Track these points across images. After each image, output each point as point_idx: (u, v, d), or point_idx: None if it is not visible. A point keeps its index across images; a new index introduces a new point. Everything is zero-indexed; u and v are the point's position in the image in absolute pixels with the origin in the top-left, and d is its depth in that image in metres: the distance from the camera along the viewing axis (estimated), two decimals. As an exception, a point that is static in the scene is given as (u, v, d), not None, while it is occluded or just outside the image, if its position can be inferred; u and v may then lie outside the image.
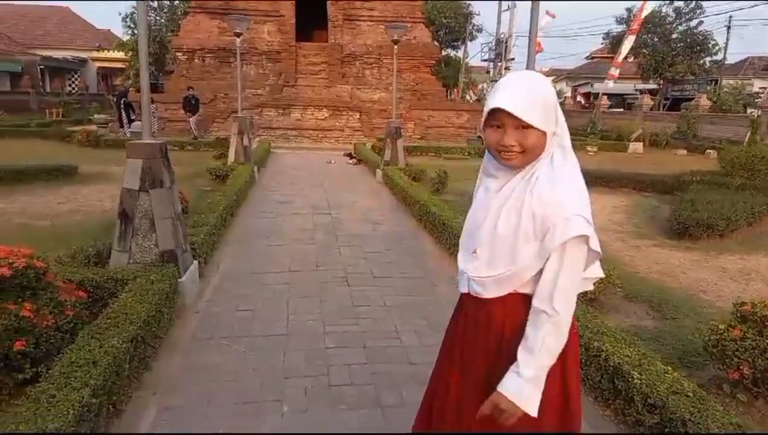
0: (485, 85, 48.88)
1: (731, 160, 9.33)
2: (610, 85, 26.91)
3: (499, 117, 1.44)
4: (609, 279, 4.26)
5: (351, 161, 14.35)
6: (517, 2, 34.73)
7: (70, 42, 38.01)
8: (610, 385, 2.78)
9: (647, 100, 26.85)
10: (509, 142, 1.44)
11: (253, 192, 9.38)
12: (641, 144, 20.24)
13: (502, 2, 36.30)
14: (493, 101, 1.43)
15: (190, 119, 17.94)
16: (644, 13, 25.24)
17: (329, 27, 21.98)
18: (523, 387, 1.45)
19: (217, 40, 21.33)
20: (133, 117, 17.66)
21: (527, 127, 1.42)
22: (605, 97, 29.31)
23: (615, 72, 25.79)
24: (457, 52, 45.00)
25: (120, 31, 32.76)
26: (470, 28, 42.31)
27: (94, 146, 15.24)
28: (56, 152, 13.51)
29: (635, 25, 24.02)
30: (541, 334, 1.43)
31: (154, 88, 27.68)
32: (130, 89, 21.75)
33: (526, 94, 1.42)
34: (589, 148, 18.86)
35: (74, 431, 2.17)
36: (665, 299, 4.54)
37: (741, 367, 2.79)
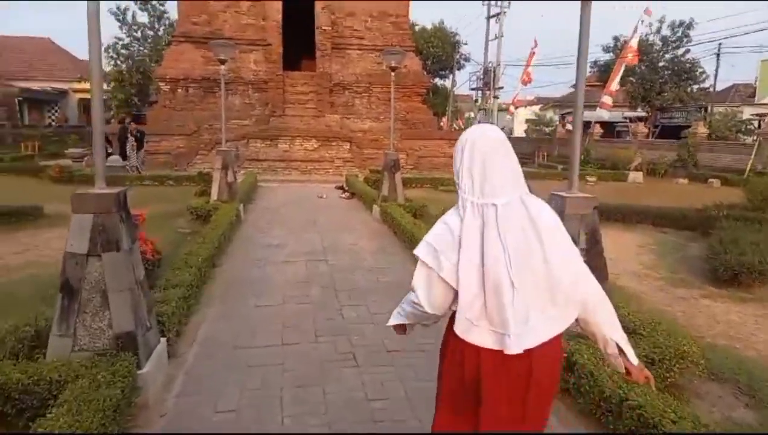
0: (472, 114, 48.70)
1: (761, 193, 8.60)
2: (605, 116, 26.47)
3: None
4: (689, 357, 3.38)
5: (344, 195, 13.48)
6: (504, 32, 34.68)
7: (50, 73, 37.06)
8: None
9: (641, 128, 26.47)
10: None
11: (238, 234, 8.42)
12: (641, 173, 19.69)
13: (490, 32, 36.20)
14: None
15: (133, 154, 16.75)
16: (635, 42, 24.95)
17: (317, 56, 21.37)
18: None
19: (202, 70, 20.58)
20: (110, 150, 16.66)
21: None
22: (597, 125, 28.92)
23: (608, 100, 25.37)
24: (444, 81, 44.96)
25: (102, 63, 31.83)
26: (458, 57, 42.31)
27: (67, 182, 14.15)
28: (25, 190, 12.48)
29: (631, 55, 23.60)
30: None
31: (138, 119, 26.77)
32: (112, 120, 20.82)
33: None
34: (588, 178, 18.24)
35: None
36: (752, 377, 3.65)
37: None
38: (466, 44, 44.31)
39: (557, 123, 37.69)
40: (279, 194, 13.69)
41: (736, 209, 8.93)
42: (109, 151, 16.65)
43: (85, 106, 39.09)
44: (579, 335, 3.44)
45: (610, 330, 1.77)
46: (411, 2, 22.72)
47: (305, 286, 5.74)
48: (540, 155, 26.99)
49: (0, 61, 34.94)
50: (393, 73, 10.69)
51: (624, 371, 1.81)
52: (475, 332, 1.65)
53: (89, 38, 3.15)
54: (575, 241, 3.52)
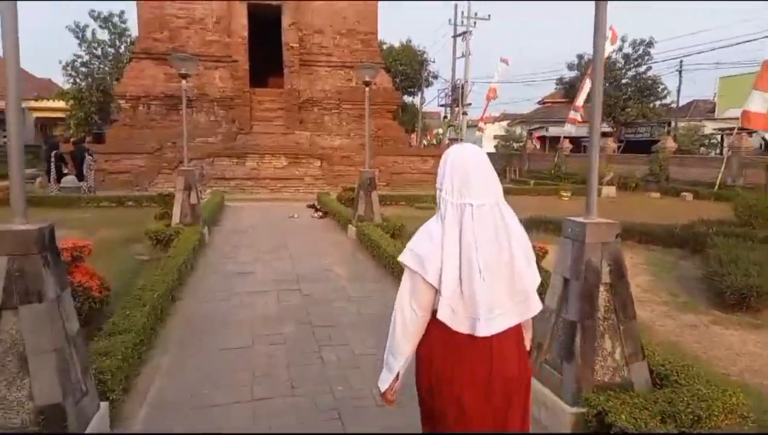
0: (440, 130, 48.70)
1: (750, 208, 8.34)
2: (572, 130, 26.66)
3: None
4: (737, 410, 2.88)
5: (316, 214, 12.85)
6: (471, 51, 34.60)
7: (5, 91, 35.33)
8: None
9: (611, 143, 26.68)
10: None
11: (202, 261, 7.70)
12: (614, 187, 19.65)
13: (457, 49, 36.15)
14: None
15: (90, 175, 15.82)
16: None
17: (285, 72, 20.81)
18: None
19: (164, 87, 19.76)
20: (65, 171, 15.66)
21: None
22: (567, 140, 29.05)
23: (576, 116, 25.50)
24: (413, 98, 44.88)
25: (61, 80, 30.55)
26: (426, 74, 42.31)
27: (16, 205, 13.15)
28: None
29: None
30: None
31: (99, 138, 25.61)
32: (71, 139, 19.65)
33: None
34: (563, 193, 18.04)
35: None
36: (799, 426, 3.19)
37: None
38: (433, 62, 44.31)
39: (526, 138, 37.91)
40: (247, 214, 12.96)
41: (724, 225, 8.66)
42: (65, 171, 15.65)
43: (42, 124, 37.47)
44: (608, 386, 2.92)
45: (527, 335, 2.09)
46: (379, 16, 22.37)
47: (277, 323, 5.09)
48: (512, 170, 26.90)
49: (-51, 79, 33.20)
50: (367, 89, 10.19)
51: None
52: (453, 318, 1.83)
53: (4, 42, 2.52)
54: (598, 274, 3.02)
